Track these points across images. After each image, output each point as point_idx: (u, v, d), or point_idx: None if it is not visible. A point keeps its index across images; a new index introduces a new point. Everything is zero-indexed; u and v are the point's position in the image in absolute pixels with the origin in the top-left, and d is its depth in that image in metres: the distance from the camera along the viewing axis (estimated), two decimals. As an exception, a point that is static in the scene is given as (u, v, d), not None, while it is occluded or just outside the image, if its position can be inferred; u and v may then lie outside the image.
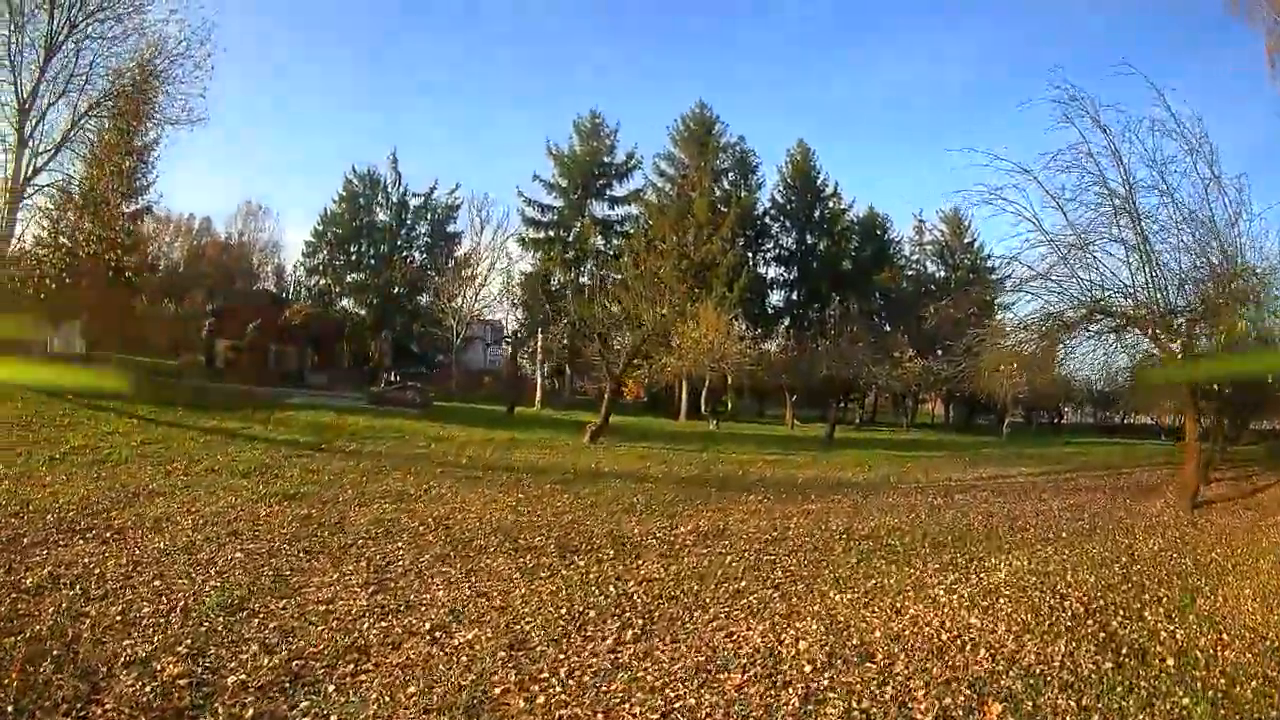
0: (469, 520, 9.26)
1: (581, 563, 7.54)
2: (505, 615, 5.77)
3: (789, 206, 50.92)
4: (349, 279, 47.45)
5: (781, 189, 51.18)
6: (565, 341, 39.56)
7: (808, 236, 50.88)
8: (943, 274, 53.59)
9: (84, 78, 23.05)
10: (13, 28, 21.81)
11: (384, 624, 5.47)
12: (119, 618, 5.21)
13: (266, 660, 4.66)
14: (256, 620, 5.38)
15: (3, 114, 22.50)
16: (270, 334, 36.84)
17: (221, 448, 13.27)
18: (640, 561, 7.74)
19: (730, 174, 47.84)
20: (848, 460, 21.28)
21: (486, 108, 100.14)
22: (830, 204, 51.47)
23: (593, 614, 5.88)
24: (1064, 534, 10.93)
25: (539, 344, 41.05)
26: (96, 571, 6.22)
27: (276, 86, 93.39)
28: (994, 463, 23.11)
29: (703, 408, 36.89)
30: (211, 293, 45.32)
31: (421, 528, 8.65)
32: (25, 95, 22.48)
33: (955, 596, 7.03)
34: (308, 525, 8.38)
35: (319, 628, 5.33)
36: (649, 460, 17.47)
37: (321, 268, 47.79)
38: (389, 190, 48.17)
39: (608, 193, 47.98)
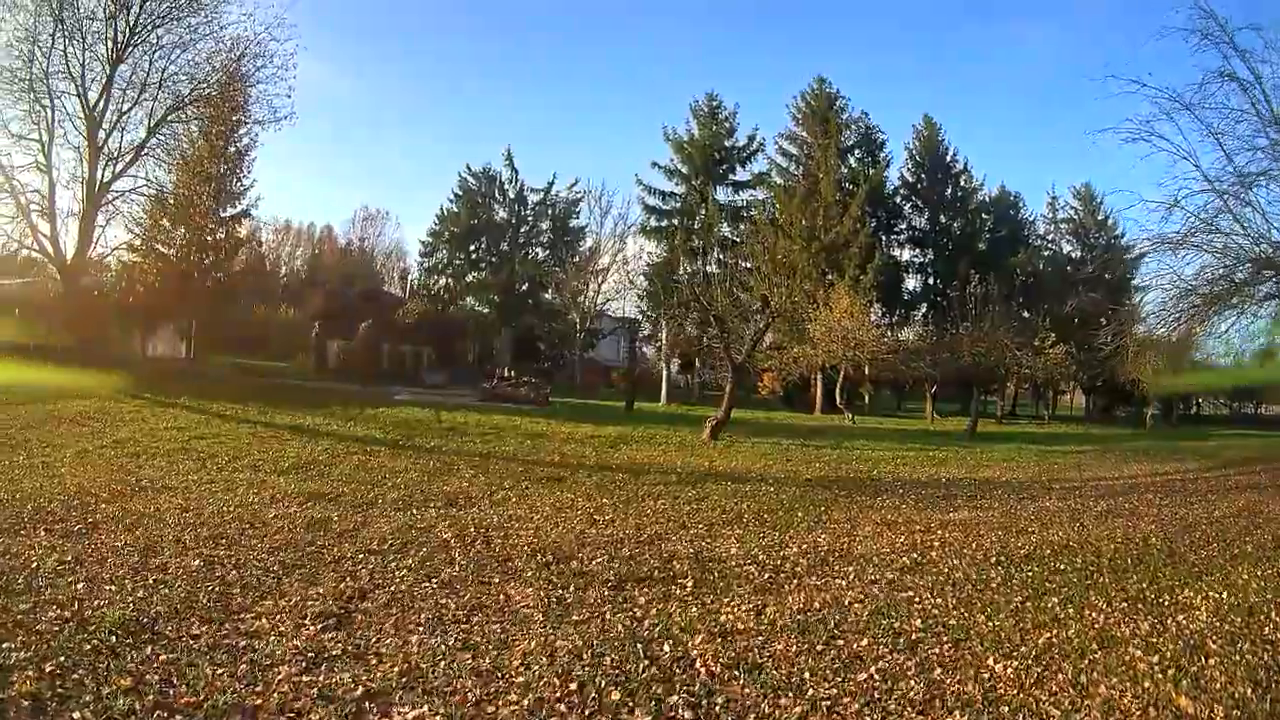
0: (521, 532, 7.44)
1: (642, 600, 5.49)
2: (486, 684, 3.83)
3: (919, 185, 46.83)
4: (470, 278, 47.24)
5: (910, 167, 47.29)
6: (693, 332, 37.69)
7: (940, 216, 46.65)
8: (1078, 253, 48.58)
9: (157, 84, 23.57)
10: (66, 38, 22.45)
11: (305, 679, 3.76)
12: (19, 617, 4.39)
13: (125, 701, 3.46)
14: (152, 648, 4.08)
15: (73, 124, 23.31)
16: (383, 333, 36.74)
17: (279, 444, 12.32)
18: (725, 600, 5.58)
19: (856, 151, 44.58)
20: (994, 457, 18.45)
21: (595, 101, 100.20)
22: (961, 182, 47.15)
23: (617, 694, 3.78)
24: (1249, 548, 8.29)
25: (663, 336, 39.18)
26: (33, 565, 5.39)
27: (396, 92, 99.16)
28: (1146, 458, 19.97)
29: (838, 401, 33.84)
30: (328, 295, 46.44)
31: (453, 540, 6.92)
32: (94, 104, 23.08)
33: (1156, 659, 4.64)
34: (311, 531, 6.91)
35: (220, 670, 3.80)
36: (771, 459, 15.22)
37: (441, 267, 47.84)
38: (505, 187, 47.41)
39: (730, 177, 45.28)
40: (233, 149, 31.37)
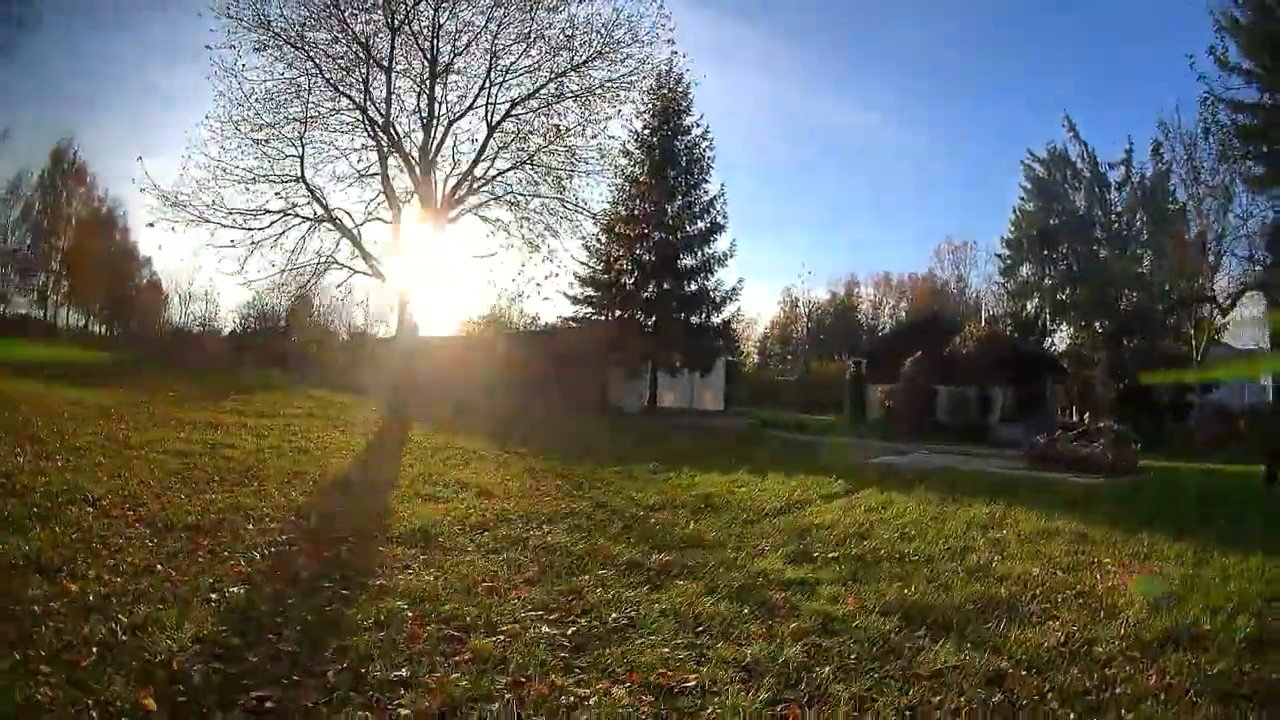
0: None
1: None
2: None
3: None
4: (1061, 295, 36.75)
5: None
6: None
7: None
8: None
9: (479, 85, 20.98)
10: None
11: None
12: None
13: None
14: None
15: (384, 134, 21.18)
16: (940, 375, 28.57)
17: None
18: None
19: None
20: None
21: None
22: None
23: None
24: None
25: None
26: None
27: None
28: None
29: None
30: (873, 333, 39.26)
31: None
32: (386, 112, 20.91)
33: None
34: None
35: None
36: None
37: (1029, 285, 38.59)
38: (1078, 166, 36.03)
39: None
40: (681, 155, 27.22)
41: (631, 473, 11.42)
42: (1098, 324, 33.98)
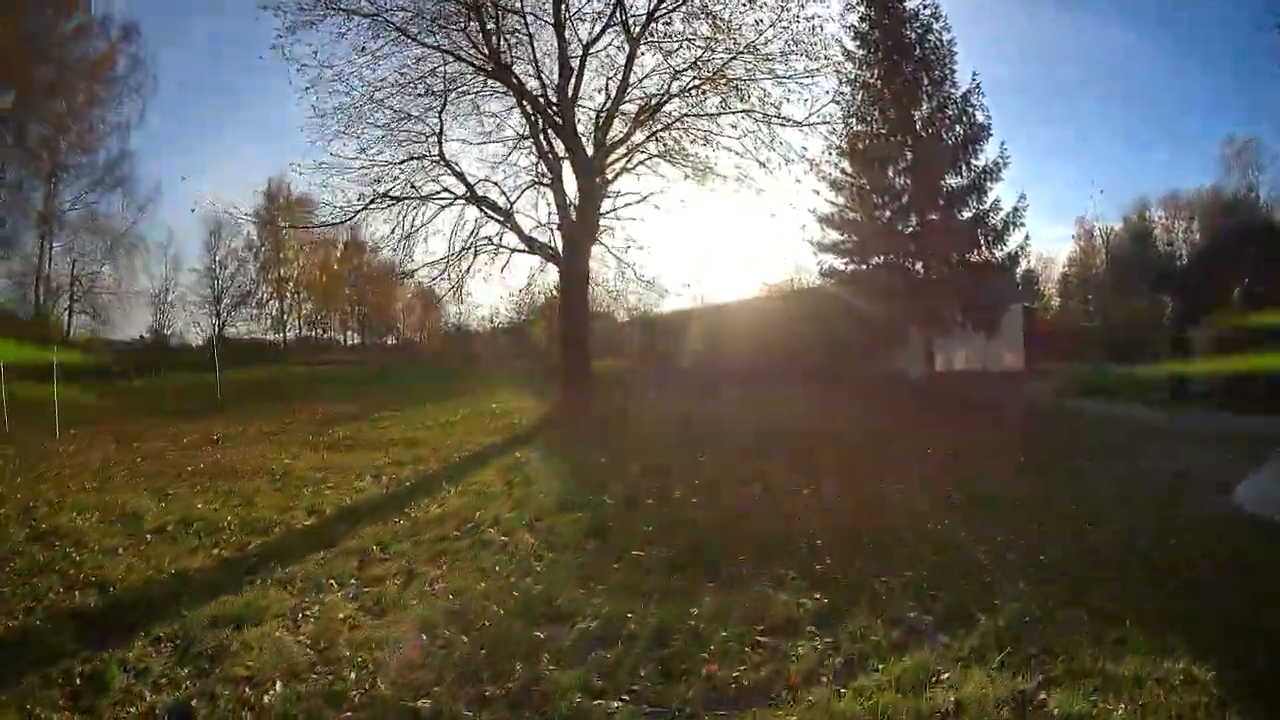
0: None
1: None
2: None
3: None
4: None
5: None
6: None
7: None
8: None
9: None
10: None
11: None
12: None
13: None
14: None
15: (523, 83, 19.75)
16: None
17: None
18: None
19: None
20: None
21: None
22: None
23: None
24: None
25: None
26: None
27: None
28: None
29: None
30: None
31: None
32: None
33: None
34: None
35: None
36: None
37: None
38: None
39: None
40: (913, 45, 20.91)
41: (722, 632, 4.43)
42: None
